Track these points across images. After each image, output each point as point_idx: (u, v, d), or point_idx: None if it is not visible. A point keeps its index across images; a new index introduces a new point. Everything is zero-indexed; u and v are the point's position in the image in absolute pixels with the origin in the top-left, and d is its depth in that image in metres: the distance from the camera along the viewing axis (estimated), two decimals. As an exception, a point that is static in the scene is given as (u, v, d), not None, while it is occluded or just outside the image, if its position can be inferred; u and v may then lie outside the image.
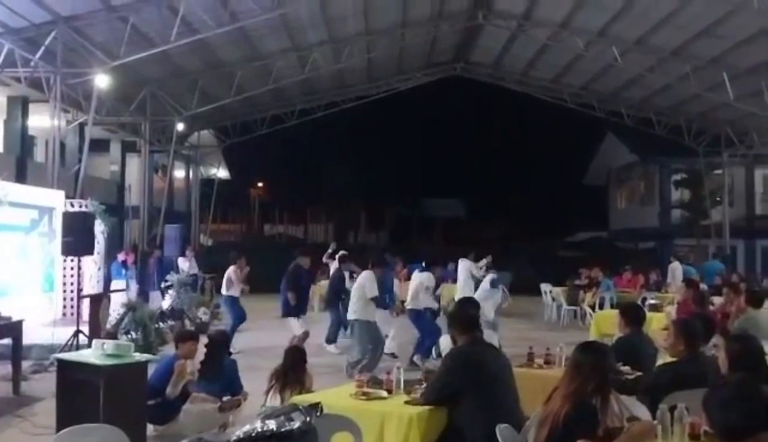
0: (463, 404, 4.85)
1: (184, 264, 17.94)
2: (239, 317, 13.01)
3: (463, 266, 14.26)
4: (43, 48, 15.02)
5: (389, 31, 21.21)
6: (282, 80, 21.81)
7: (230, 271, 13.01)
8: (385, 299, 11.30)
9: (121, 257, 15.95)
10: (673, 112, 25.01)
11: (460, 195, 50.82)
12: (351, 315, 10.49)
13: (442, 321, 10.93)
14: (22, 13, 14.42)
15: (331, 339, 13.24)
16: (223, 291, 13.28)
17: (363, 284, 10.40)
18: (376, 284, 10.42)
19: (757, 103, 19.43)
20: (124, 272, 15.60)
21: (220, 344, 7.69)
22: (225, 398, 6.96)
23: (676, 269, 18.97)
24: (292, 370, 6.41)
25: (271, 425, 3.21)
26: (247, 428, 3.22)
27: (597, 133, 34.36)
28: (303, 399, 4.84)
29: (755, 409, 2.94)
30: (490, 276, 12.71)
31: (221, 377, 7.17)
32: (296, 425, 3.26)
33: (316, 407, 3.51)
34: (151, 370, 6.96)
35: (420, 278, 11.84)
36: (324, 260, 17.44)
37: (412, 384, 5.41)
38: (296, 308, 12.01)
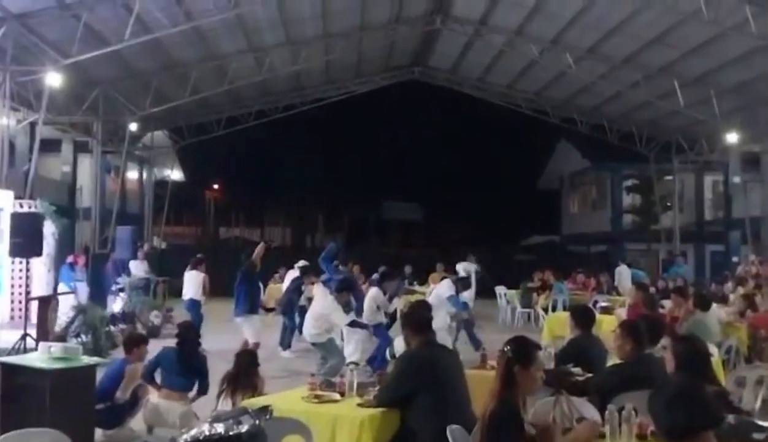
0: (415, 405, 4.87)
1: (137, 267, 17.64)
2: (201, 319, 13.15)
3: (462, 267, 14.41)
4: (-8, 45, 14.66)
5: (347, 35, 21.18)
6: (238, 81, 21.58)
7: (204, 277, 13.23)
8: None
9: (70, 259, 15.61)
10: (624, 119, 25.48)
11: (417, 198, 51.04)
12: (313, 338, 10.14)
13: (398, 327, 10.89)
14: (-30, 10, 14.07)
15: (286, 344, 13.17)
16: (192, 295, 13.39)
17: (328, 314, 10.05)
18: (341, 310, 10.13)
19: (706, 111, 19.91)
20: (72, 274, 15.29)
21: (191, 337, 7.28)
22: (191, 395, 6.84)
23: (622, 272, 19.38)
24: (244, 374, 6.33)
25: (219, 428, 3.18)
26: (194, 431, 3.18)
27: (551, 139, 34.85)
28: (253, 402, 4.80)
29: (699, 409, 3.00)
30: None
31: (189, 372, 6.91)
32: (245, 428, 3.23)
33: (265, 410, 3.49)
34: (100, 374, 6.83)
35: (372, 295, 11.83)
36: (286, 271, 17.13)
37: (365, 386, 5.41)
38: (250, 307, 11.75)
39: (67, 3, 14.68)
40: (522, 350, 4.10)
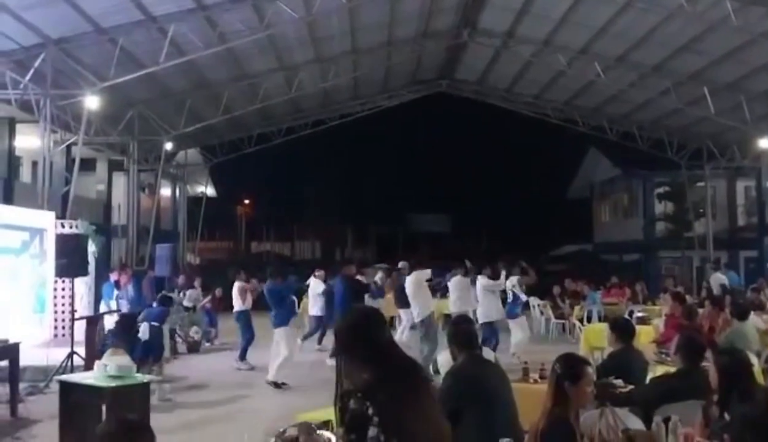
0: (463, 420, 4.93)
1: (191, 298, 17.15)
2: (252, 331, 13.42)
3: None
4: (32, 70, 15.05)
5: (375, 50, 21.44)
6: (269, 99, 21.92)
7: (239, 286, 13.54)
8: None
9: (113, 276, 15.72)
10: (655, 126, 25.36)
11: (445, 210, 51.09)
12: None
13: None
14: (12, 36, 14.45)
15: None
16: (236, 307, 13.72)
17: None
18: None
19: (737, 117, 19.79)
20: (115, 292, 15.49)
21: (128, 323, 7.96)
22: None
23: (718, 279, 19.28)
24: None
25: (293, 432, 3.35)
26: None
27: (580, 147, 34.79)
28: (313, 417, 4.94)
29: None
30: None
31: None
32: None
33: (327, 425, 3.64)
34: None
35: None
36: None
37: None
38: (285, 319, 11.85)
39: (104, 28, 15.06)
40: (571, 367, 4.20)
